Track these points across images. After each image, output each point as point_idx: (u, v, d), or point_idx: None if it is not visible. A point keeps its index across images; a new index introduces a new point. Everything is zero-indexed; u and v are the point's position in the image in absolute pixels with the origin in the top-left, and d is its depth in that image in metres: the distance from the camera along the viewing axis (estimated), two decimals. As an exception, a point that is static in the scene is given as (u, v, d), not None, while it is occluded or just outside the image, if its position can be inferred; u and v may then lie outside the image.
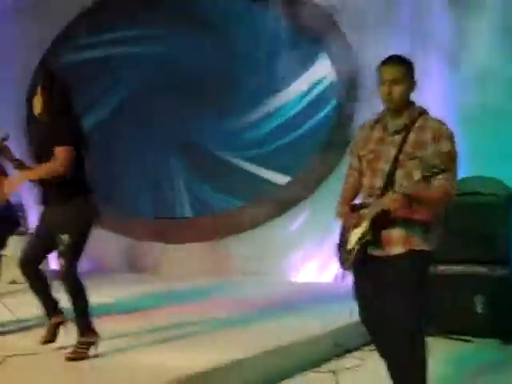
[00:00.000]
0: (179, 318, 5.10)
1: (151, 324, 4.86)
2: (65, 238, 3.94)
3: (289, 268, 7.00)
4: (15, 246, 6.15)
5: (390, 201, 2.96)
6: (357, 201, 3.24)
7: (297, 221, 7.12)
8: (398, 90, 3.05)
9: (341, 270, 3.23)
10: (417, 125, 3.07)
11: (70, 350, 3.98)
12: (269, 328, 4.75)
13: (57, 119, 4.01)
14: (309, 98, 7.24)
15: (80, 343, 3.98)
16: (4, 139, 4.12)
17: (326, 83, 7.16)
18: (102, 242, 8.02)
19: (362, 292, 3.18)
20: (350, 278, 3.22)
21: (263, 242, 7.17)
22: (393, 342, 3.09)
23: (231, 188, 7.59)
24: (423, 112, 3.13)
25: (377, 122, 3.19)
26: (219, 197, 7.69)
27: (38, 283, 4.15)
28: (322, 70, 7.16)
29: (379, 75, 3.10)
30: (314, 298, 5.88)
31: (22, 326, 4.80)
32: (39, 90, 4.05)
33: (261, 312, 5.32)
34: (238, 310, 5.42)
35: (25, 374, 3.74)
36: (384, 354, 3.22)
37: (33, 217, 7.74)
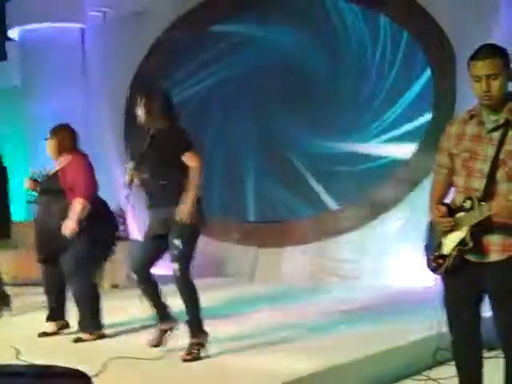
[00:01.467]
0: (275, 321, 5.11)
1: (247, 328, 4.89)
2: (179, 243, 4.05)
3: (385, 271, 6.86)
4: (117, 250, 6.29)
5: (501, 208, 2.78)
6: (447, 201, 3.07)
7: (393, 223, 6.98)
8: (496, 85, 2.83)
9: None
10: None
11: (183, 351, 4.09)
12: (366, 333, 4.67)
13: (171, 126, 4.15)
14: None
15: (193, 344, 4.10)
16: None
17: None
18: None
19: (455, 299, 3.04)
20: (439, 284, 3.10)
21: (359, 245, 7.06)
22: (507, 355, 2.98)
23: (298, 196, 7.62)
24: None
25: (471, 117, 2.96)
26: (288, 202, 7.74)
27: (151, 288, 4.28)
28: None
29: (472, 70, 2.86)
30: (412, 302, 5.74)
31: (122, 330, 4.95)
32: (142, 99, 4.17)
33: (357, 316, 5.24)
34: (335, 314, 5.36)
35: (129, 376, 3.84)
36: (463, 364, 3.12)
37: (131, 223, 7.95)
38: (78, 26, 9.68)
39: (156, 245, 4.21)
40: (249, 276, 7.72)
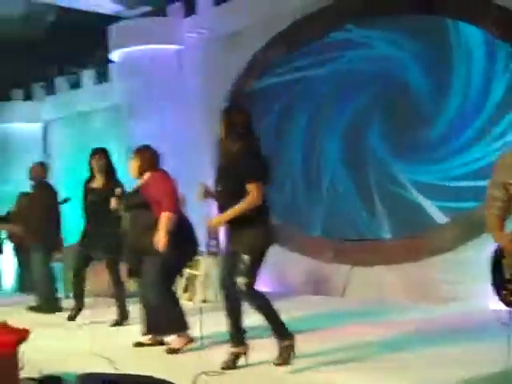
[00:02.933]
0: (362, 339, 5.07)
1: (336, 345, 4.86)
2: (246, 258, 4.13)
3: (486, 294, 6.58)
4: (207, 266, 6.37)
5: None
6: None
7: (492, 243, 6.69)
8: None
9: None
10: None
11: (275, 357, 4.17)
12: (455, 356, 4.52)
13: (246, 149, 4.19)
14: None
15: (283, 348, 4.17)
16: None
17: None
18: (288, 264, 8.14)
19: None
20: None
21: (457, 266, 6.80)
22: None
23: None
24: None
25: None
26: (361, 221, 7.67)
27: (232, 305, 4.28)
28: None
29: None
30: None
31: (215, 343, 4.98)
32: (222, 116, 4.27)
33: (448, 339, 5.09)
34: (425, 335, 5.26)
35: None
36: None
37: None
38: (176, 47, 9.98)
39: (235, 260, 4.24)
40: (341, 294, 7.65)
